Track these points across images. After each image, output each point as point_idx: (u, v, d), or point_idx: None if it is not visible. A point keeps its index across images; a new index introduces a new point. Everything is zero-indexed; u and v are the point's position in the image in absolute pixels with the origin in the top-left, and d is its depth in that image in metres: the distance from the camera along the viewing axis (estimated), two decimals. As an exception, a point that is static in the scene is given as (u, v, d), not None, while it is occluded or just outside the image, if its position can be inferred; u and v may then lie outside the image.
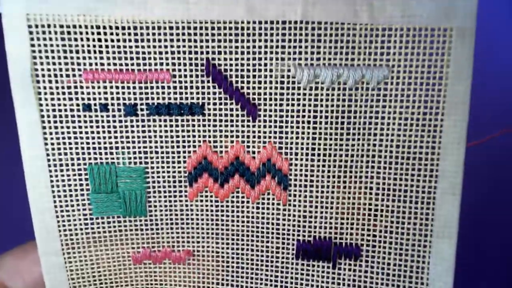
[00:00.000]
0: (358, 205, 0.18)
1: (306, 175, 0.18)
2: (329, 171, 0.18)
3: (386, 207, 0.18)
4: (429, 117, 0.17)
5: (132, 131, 0.17)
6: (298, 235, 0.19)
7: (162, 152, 0.18)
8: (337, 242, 0.19)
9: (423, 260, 0.18)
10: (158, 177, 0.18)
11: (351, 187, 0.18)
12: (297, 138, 0.17)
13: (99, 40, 0.16)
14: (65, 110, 0.17)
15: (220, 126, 0.17)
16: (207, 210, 0.19)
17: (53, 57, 0.16)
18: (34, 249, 0.19)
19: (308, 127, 0.17)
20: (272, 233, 0.19)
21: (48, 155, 0.17)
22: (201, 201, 0.18)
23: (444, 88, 0.17)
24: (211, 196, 0.18)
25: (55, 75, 0.17)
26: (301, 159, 0.18)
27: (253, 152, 0.18)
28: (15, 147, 0.17)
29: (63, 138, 0.17)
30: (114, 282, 0.19)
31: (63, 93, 0.17)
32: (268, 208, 0.18)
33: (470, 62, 0.16)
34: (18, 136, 0.17)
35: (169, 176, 0.18)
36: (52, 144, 0.17)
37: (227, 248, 0.19)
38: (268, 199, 0.18)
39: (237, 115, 0.17)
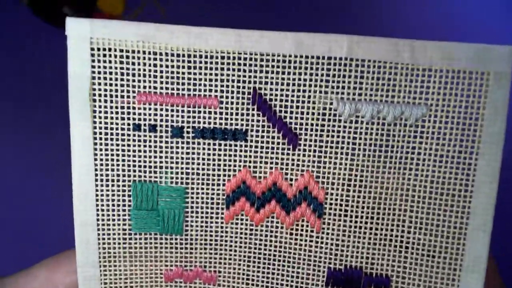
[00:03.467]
0: (390, 237, 0.18)
1: (341, 205, 0.18)
2: (363, 202, 0.18)
3: (418, 240, 0.18)
4: (464, 156, 0.18)
5: (177, 152, 0.18)
6: (330, 263, 0.19)
7: (203, 174, 0.18)
8: (367, 272, 0.19)
9: None
10: (197, 197, 0.19)
11: (384, 219, 0.18)
12: (334, 168, 0.18)
13: (155, 65, 0.17)
14: (116, 129, 0.18)
15: (261, 152, 0.18)
16: (241, 233, 0.19)
17: (110, 79, 0.17)
18: (68, 260, 0.20)
19: (346, 159, 0.18)
20: (304, 259, 0.19)
21: (96, 170, 0.18)
22: (236, 224, 0.19)
23: (480, 128, 0.17)
24: (247, 220, 0.19)
25: (111, 96, 0.18)
26: (337, 189, 0.18)
27: (291, 180, 0.18)
28: (63, 160, 0.18)
29: (112, 154, 0.18)
30: (144, 298, 0.20)
31: (116, 113, 0.18)
32: (301, 235, 0.19)
33: (505, 105, 0.17)
34: (65, 150, 0.18)
35: (207, 198, 0.19)
36: (101, 159, 0.18)
37: (258, 272, 0.19)
38: (302, 226, 0.19)
39: (278, 143, 0.18)
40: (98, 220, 0.18)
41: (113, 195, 0.18)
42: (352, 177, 0.18)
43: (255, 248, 0.19)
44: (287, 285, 0.19)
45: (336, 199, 0.18)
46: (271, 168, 0.18)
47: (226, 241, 0.19)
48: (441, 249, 0.18)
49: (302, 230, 0.19)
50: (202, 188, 0.19)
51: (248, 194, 0.19)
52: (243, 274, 0.20)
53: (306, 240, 0.19)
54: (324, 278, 0.19)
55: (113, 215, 0.19)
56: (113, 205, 0.18)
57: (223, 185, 0.19)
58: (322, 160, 0.18)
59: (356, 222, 0.18)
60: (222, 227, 0.19)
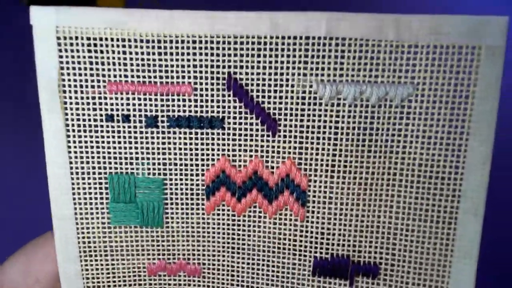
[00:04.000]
0: (377, 224, 0.18)
1: (325, 192, 0.18)
2: (348, 188, 0.18)
3: (406, 226, 0.18)
4: (454, 137, 0.17)
5: (152, 143, 0.18)
6: (315, 252, 0.18)
7: (181, 164, 0.18)
8: (355, 260, 0.18)
9: (443, 280, 0.18)
10: (176, 189, 0.18)
11: (370, 205, 0.18)
12: (317, 154, 0.17)
13: (124, 52, 0.17)
14: (89, 120, 0.17)
15: (240, 140, 0.17)
16: (223, 224, 0.19)
17: (79, 68, 0.17)
18: (43, 247, 0.19)
19: (329, 144, 0.17)
20: (289, 249, 0.19)
21: (71, 163, 0.18)
22: (218, 214, 0.18)
23: (470, 107, 0.16)
24: (228, 210, 0.18)
25: (81, 86, 0.17)
26: (321, 176, 0.18)
27: (272, 167, 0.18)
28: (40, 154, 0.18)
29: (86, 147, 0.17)
30: (129, 291, 0.19)
31: (88, 103, 0.17)
32: (285, 224, 0.18)
33: (498, 81, 0.16)
34: (42, 144, 0.18)
35: (186, 189, 0.18)
36: (75, 152, 0.17)
37: (243, 263, 0.19)
38: (286, 215, 0.18)
39: (257, 130, 0.17)
40: (76, 214, 0.18)
41: (89, 188, 0.18)
42: (336, 163, 0.17)
43: (238, 239, 0.19)
44: (273, 275, 0.19)
45: (320, 186, 0.18)
46: (250, 156, 0.18)
47: (208, 232, 0.19)
48: (431, 235, 0.17)
49: (285, 219, 0.18)
50: (181, 179, 0.18)
51: (228, 183, 0.18)
52: (228, 265, 0.19)
53: (290, 230, 0.18)
54: (311, 268, 0.19)
55: (91, 208, 0.18)
56: (90, 198, 0.18)
57: (202, 175, 0.18)
58: (304, 146, 0.17)
59: (341, 209, 0.18)
60: (203, 218, 0.18)
